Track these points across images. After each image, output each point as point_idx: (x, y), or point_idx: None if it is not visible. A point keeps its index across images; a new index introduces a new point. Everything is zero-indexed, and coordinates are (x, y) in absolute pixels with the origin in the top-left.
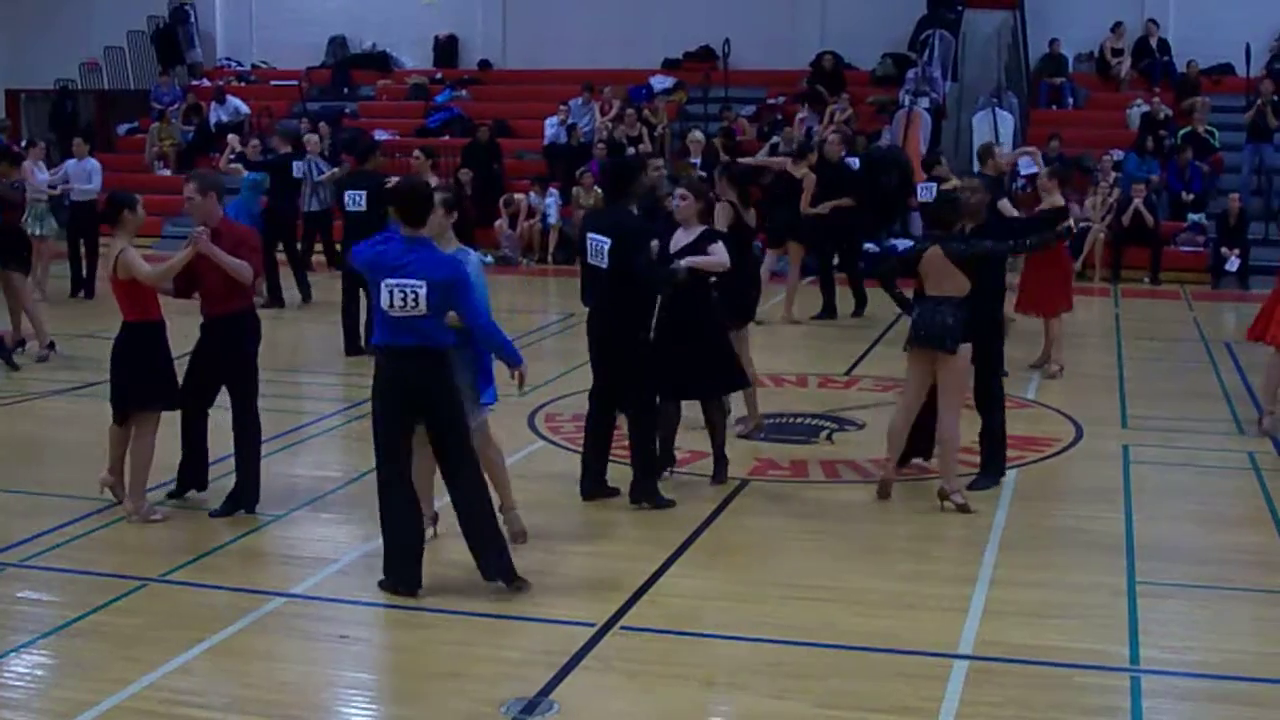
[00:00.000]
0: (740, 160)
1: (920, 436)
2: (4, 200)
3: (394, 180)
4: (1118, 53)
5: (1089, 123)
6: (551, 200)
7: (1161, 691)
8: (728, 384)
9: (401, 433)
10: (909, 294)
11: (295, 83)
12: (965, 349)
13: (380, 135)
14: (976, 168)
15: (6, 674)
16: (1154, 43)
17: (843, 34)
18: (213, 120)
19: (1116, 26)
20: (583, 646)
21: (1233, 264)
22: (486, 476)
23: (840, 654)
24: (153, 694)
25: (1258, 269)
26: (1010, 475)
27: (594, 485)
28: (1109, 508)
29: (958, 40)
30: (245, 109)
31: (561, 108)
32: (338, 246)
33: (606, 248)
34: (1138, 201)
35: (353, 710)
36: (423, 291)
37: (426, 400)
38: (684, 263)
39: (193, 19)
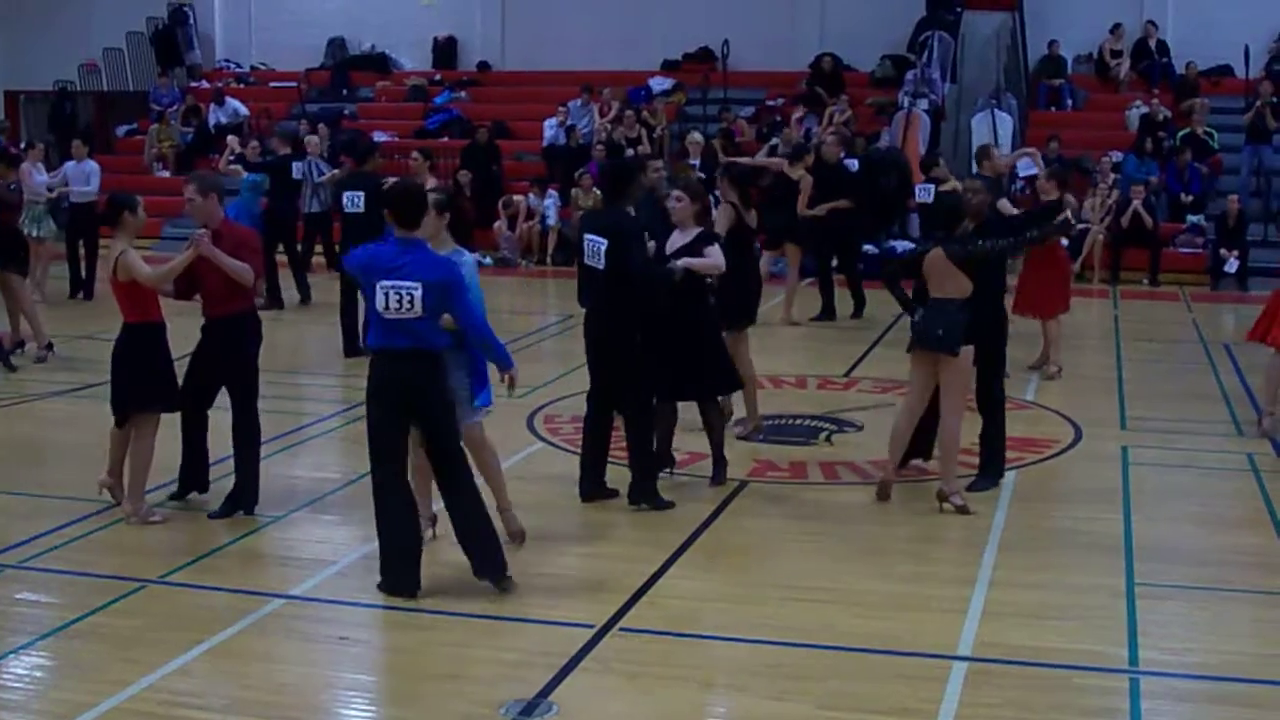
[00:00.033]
0: (738, 160)
1: (920, 438)
2: (1, 201)
3: (391, 181)
4: (1117, 54)
5: (1088, 124)
6: (550, 202)
7: (1160, 693)
8: (722, 385)
9: (396, 435)
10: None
11: (294, 84)
12: (967, 351)
13: (379, 137)
14: (974, 169)
15: (5, 675)
16: (1153, 44)
17: (842, 35)
18: (212, 122)
19: (1115, 28)
20: (582, 648)
21: (1232, 265)
22: (483, 478)
23: (839, 655)
24: (152, 695)
25: (1257, 270)
26: (1009, 476)
27: (593, 486)
28: (1108, 509)
29: (957, 42)
30: (244, 110)
31: (560, 109)
32: (337, 248)
33: (603, 249)
34: (1137, 203)
35: (352, 712)
36: (418, 293)
37: (421, 402)
38: (680, 263)
39: (192, 20)
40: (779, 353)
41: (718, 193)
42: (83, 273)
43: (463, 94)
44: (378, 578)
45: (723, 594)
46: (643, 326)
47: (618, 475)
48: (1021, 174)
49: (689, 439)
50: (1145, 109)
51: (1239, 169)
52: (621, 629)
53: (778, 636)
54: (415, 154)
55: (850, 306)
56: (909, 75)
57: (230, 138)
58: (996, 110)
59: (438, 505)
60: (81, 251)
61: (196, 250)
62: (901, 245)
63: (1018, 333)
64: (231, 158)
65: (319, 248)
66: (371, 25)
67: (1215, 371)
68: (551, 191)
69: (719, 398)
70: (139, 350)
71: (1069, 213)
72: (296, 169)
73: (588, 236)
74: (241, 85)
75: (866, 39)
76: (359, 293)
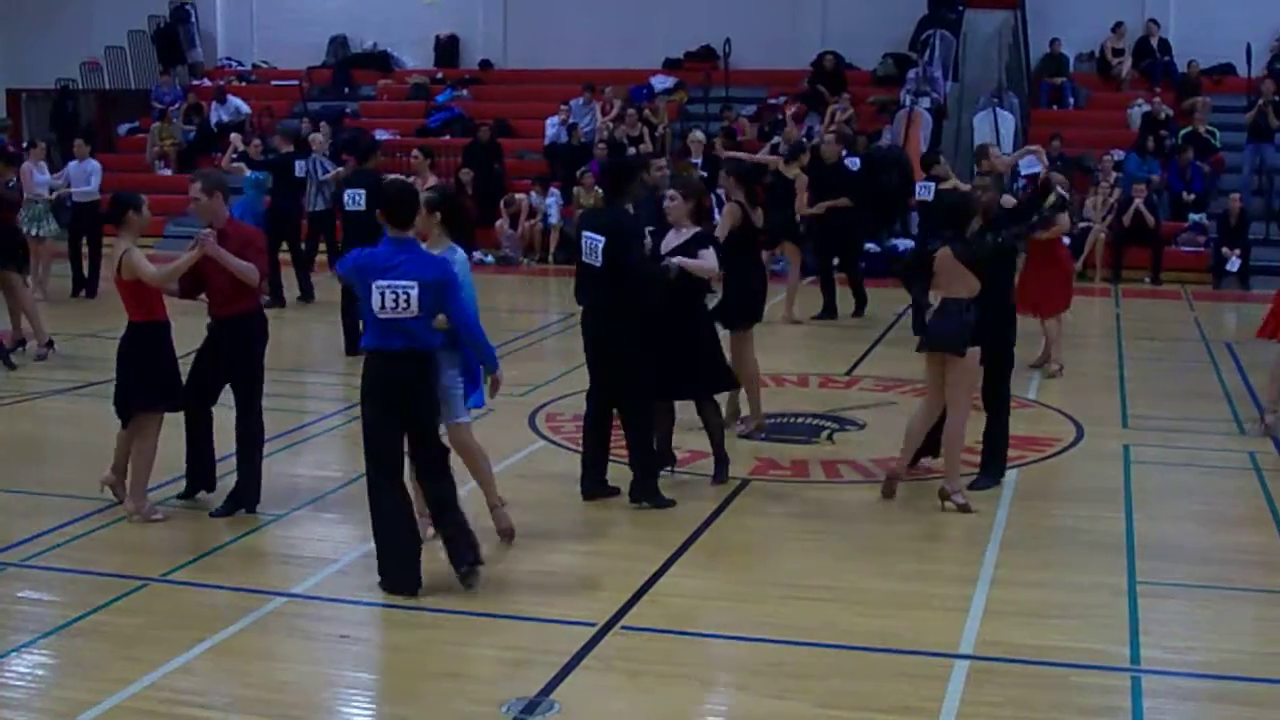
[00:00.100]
0: (739, 156)
1: (930, 436)
2: (1, 200)
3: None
4: (1118, 52)
5: (1090, 123)
6: (552, 200)
7: (1162, 691)
8: (718, 384)
9: (392, 435)
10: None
11: (296, 82)
12: (974, 351)
13: (381, 135)
14: (975, 168)
15: (7, 674)
16: (1155, 43)
17: (844, 34)
18: (213, 120)
19: (1117, 26)
20: (583, 646)
21: (1233, 264)
22: (475, 480)
23: (841, 654)
24: (153, 694)
25: (1258, 269)
26: (1011, 475)
27: (594, 485)
28: (1110, 508)
29: (959, 40)
30: (246, 109)
31: (562, 108)
32: (340, 246)
33: (600, 246)
34: (1138, 201)
35: (353, 710)
36: (414, 292)
37: (412, 400)
38: (674, 262)
39: (193, 18)
40: (781, 351)
41: (720, 191)
42: (85, 271)
43: (464, 92)
44: (379, 576)
45: (724, 592)
46: (640, 325)
47: (619, 473)
48: (1024, 172)
49: (690, 437)
50: (1147, 107)
51: (1241, 167)
52: (623, 627)
53: (779, 635)
54: (416, 152)
55: (852, 305)
56: (911, 73)
57: (233, 135)
58: (998, 109)
59: None
60: (84, 250)
61: (201, 250)
62: (903, 244)
63: (1020, 331)
64: (234, 155)
65: (322, 246)
66: (373, 23)
67: (1217, 370)
68: (553, 190)
69: (723, 396)
70: (143, 349)
71: (1060, 190)
72: (299, 167)
73: (586, 234)
74: (243, 83)
75: (868, 37)
76: None
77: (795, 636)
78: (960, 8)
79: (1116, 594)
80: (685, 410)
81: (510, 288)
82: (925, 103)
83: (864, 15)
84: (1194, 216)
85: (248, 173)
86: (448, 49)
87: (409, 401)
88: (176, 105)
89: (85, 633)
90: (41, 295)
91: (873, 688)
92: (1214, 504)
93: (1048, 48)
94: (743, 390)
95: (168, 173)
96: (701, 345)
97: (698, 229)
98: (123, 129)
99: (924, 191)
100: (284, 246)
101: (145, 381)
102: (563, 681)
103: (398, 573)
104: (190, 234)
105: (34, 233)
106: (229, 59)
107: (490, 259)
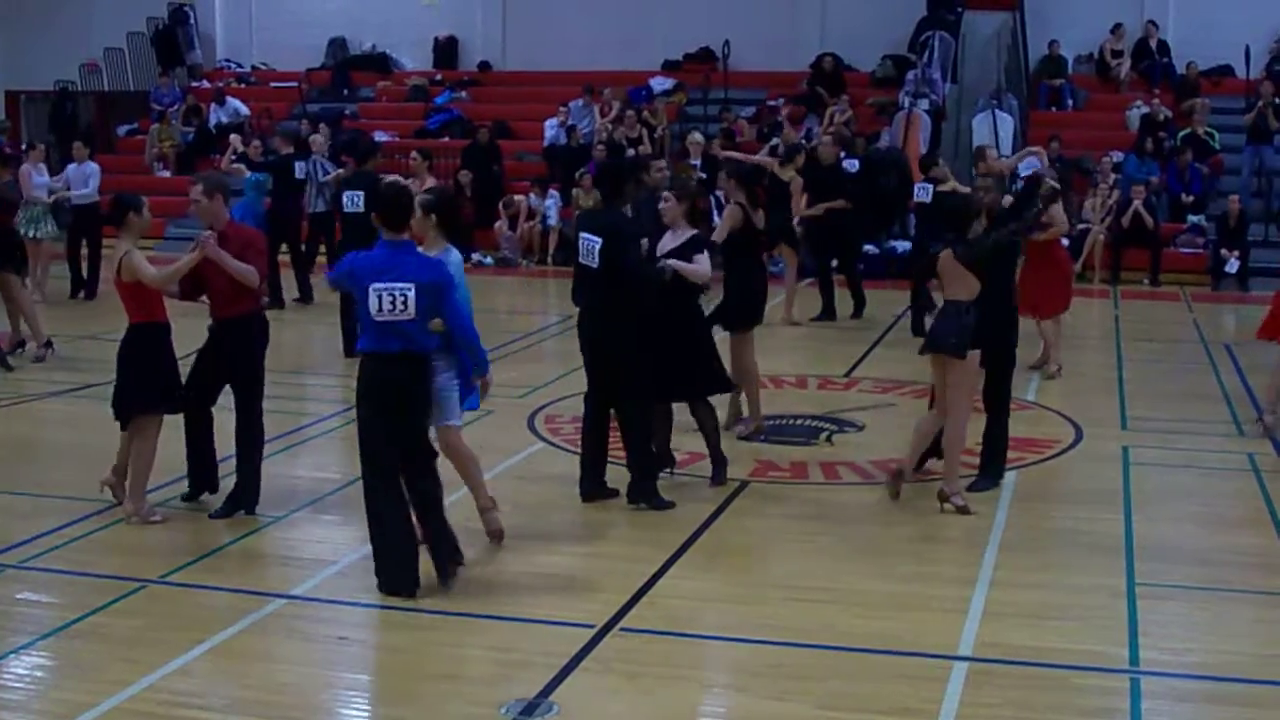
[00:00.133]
0: (737, 157)
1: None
2: (0, 201)
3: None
4: (1117, 54)
5: (1088, 124)
6: (551, 202)
7: (1161, 693)
8: (713, 386)
9: (389, 436)
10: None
11: (295, 84)
12: (974, 353)
13: (380, 137)
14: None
15: (6, 675)
16: (1153, 44)
17: (843, 35)
18: (213, 122)
19: (1116, 28)
20: (582, 648)
21: (1232, 266)
22: (465, 483)
23: (840, 655)
24: (152, 695)
25: (1257, 271)
26: (1010, 477)
27: (593, 486)
28: (1109, 509)
29: (957, 42)
30: (245, 110)
31: (561, 109)
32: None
33: (597, 247)
34: (1137, 203)
35: (352, 712)
36: (411, 294)
37: (406, 402)
38: (669, 264)
39: (192, 20)
40: (779, 353)
41: (719, 192)
42: (84, 273)
43: (463, 94)
44: (376, 578)
45: (723, 594)
46: (636, 326)
47: (618, 475)
48: (1023, 173)
49: (689, 439)
50: (1146, 109)
51: (1240, 169)
52: (622, 629)
53: (778, 636)
54: (414, 154)
55: (850, 307)
56: (910, 75)
57: (233, 136)
58: (997, 110)
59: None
60: (84, 251)
61: (202, 252)
62: (902, 246)
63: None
64: (234, 157)
65: (322, 247)
66: (372, 25)
67: (1216, 371)
68: (552, 191)
69: (723, 398)
70: (143, 351)
71: (1049, 181)
72: (299, 168)
73: (583, 235)
74: (242, 85)
75: (867, 39)
76: None
77: (794, 638)
78: (959, 9)
79: (1115, 595)
80: (683, 412)
81: (509, 289)
82: (924, 104)
83: (863, 17)
84: (1193, 218)
85: (247, 174)
86: (447, 51)
87: (404, 403)
88: (175, 107)
89: (84, 634)
90: (40, 297)
91: (872, 689)
92: (1213, 505)
93: (1046, 49)
94: (743, 392)
95: (167, 174)
96: (697, 347)
97: (694, 231)
98: (122, 131)
99: (922, 193)
100: (284, 248)
101: (145, 383)
102: (561, 683)
103: (395, 573)
104: (190, 236)
105: (32, 234)
106: (228, 61)
107: (489, 260)
